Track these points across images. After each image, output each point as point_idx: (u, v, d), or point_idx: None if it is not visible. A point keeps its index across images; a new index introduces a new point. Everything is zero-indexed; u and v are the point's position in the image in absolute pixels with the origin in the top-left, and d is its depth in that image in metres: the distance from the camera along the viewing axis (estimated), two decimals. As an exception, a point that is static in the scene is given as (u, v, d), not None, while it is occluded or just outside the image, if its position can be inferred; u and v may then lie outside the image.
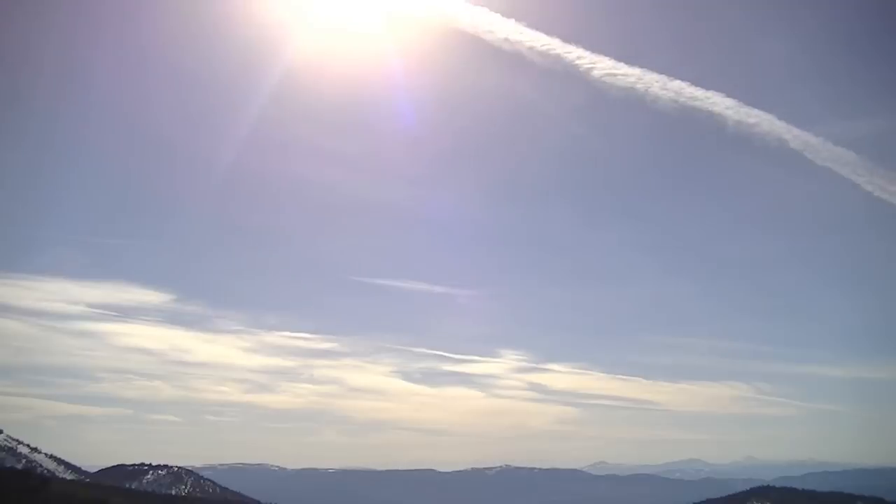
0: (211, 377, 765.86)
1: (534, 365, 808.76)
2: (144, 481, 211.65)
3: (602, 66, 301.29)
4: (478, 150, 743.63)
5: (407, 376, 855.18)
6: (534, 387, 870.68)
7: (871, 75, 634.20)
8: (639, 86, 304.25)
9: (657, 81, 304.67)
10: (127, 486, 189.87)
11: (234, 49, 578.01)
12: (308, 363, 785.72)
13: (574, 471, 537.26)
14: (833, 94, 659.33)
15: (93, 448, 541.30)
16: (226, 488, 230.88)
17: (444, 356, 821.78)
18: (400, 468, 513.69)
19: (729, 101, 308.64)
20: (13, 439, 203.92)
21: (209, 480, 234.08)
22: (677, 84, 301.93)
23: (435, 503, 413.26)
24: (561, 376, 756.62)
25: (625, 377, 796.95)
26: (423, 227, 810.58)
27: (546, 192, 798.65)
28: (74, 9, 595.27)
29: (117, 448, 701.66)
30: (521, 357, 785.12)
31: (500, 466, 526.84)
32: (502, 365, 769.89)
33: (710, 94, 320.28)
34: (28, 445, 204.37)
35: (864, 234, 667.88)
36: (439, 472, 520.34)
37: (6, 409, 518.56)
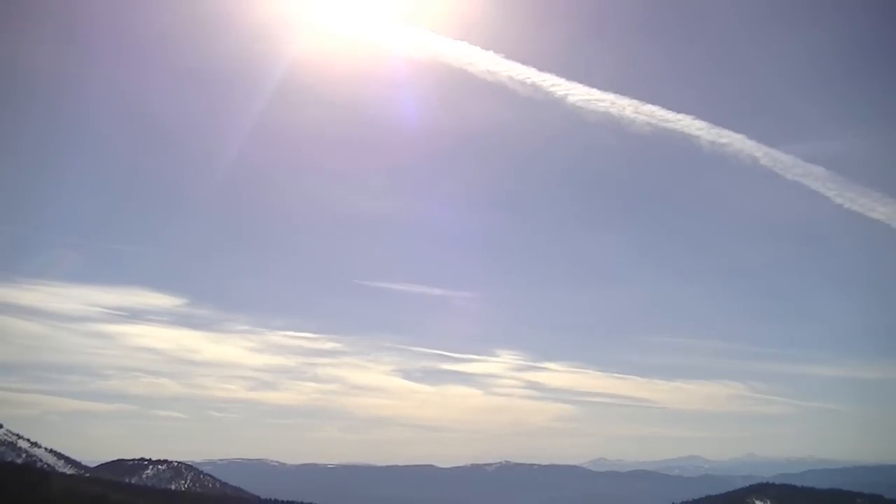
0: (217, 375, 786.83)
1: (530, 363, 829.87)
2: (144, 476, 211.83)
3: (577, 92, 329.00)
4: (471, 163, 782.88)
5: (407, 375, 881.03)
6: (531, 385, 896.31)
7: (839, 99, 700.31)
8: (612, 110, 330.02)
9: (629, 106, 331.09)
10: (127, 480, 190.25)
11: (236, 52, 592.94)
12: (312, 362, 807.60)
13: (573, 467, 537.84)
14: (802, 117, 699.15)
15: (97, 443, 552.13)
16: (225, 483, 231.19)
17: (443, 355, 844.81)
18: (400, 464, 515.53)
19: (700, 123, 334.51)
20: (13, 434, 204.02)
21: (209, 475, 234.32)
22: (649, 108, 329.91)
23: (434, 499, 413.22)
24: (558, 375, 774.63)
25: (621, 375, 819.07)
26: (422, 232, 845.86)
27: (539, 201, 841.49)
28: (71, 9, 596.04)
29: (122, 443, 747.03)
30: (517, 356, 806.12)
31: (500, 462, 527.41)
32: (500, 364, 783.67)
33: (681, 116, 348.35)
34: (28, 440, 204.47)
35: (836, 243, 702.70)
36: (439, 468, 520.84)
37: (14, 404, 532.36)
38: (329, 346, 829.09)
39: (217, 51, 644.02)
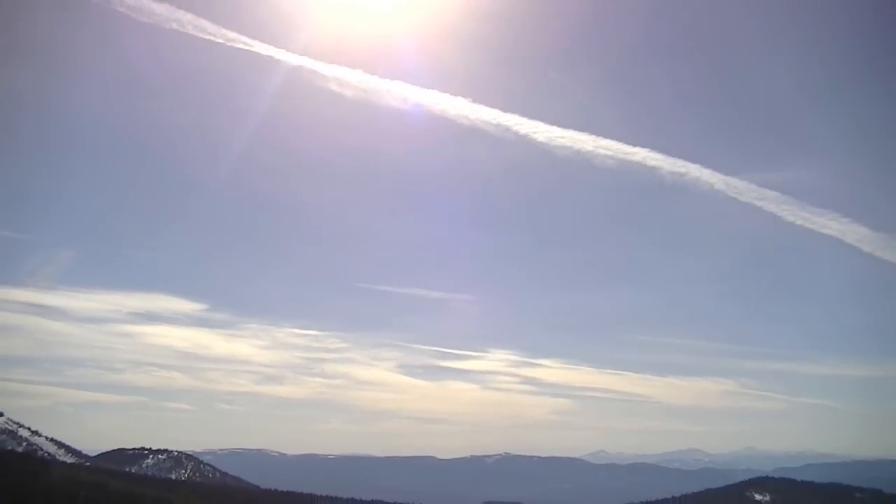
0: (227, 370, 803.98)
1: (526, 360, 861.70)
2: (144, 465, 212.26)
3: (540, 130, 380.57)
4: (460, 190, 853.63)
5: (408, 371, 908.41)
6: (528, 380, 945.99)
7: (794, 131, 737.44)
8: (576, 146, 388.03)
9: (590, 140, 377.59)
10: (127, 469, 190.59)
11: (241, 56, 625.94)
12: (318, 357, 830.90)
13: (573, 459, 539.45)
14: (760, 150, 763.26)
15: (105, 433, 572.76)
16: (225, 473, 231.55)
17: (442, 353, 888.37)
18: (400, 455, 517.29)
19: (656, 155, 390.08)
20: (14, 422, 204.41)
21: (209, 465, 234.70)
22: (607, 142, 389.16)
23: (434, 489, 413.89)
24: (553, 371, 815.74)
25: (614, 371, 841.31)
26: (420, 243, 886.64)
27: (522, 219, 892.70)
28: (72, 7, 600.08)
29: (129, 433, 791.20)
30: (513, 354, 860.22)
31: (500, 454, 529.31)
32: (496, 362, 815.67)
33: (636, 149, 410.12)
34: (29, 428, 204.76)
35: (794, 256, 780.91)
36: (439, 459, 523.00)
37: (29, 395, 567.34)
38: (334, 343, 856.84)
39: (223, 55, 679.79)
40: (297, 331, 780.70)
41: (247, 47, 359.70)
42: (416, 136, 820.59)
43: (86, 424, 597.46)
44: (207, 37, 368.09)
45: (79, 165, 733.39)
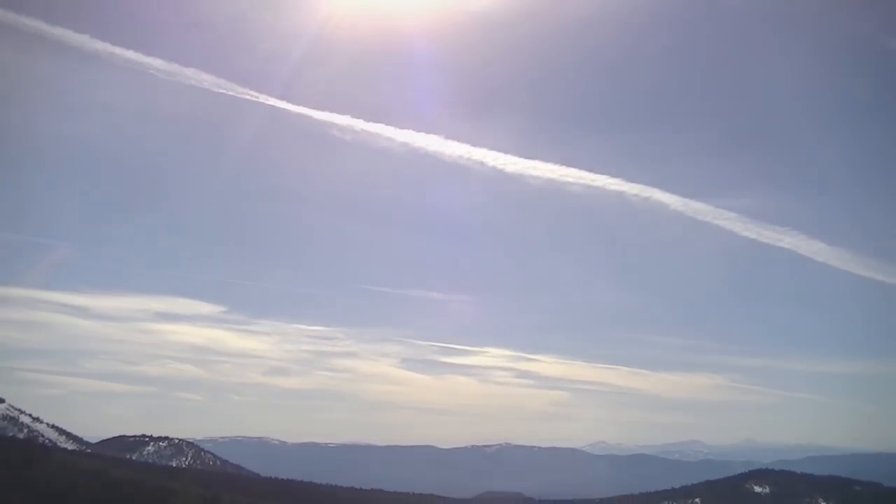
0: (238, 363, 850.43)
1: (522, 355, 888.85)
2: (145, 453, 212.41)
3: (510, 161, 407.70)
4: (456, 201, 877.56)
5: (410, 366, 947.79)
6: (524, 374, 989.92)
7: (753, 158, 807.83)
8: (545, 175, 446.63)
9: (553, 169, 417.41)
10: (128, 457, 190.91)
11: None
12: (324, 351, 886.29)
13: (573, 450, 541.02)
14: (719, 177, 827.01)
15: (113, 421, 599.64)
16: (226, 461, 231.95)
17: (442, 348, 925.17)
18: (401, 444, 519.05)
19: (616, 181, 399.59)
20: (15, 409, 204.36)
21: (210, 453, 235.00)
22: (572, 170, 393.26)
23: (433, 478, 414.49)
24: (548, 365, 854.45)
25: (608, 366, 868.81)
26: (420, 250, 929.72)
27: (521, 229, 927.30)
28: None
29: (137, 421, 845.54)
30: (509, 351, 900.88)
31: (500, 444, 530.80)
32: (494, 358, 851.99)
33: (597, 176, 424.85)
34: (30, 415, 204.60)
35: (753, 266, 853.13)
36: (439, 449, 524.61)
37: (44, 384, 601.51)
38: (340, 340, 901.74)
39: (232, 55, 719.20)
40: (305, 327, 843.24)
41: (255, 99, 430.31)
42: (410, 169, 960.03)
43: (95, 413, 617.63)
44: (231, 91, 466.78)
45: (121, 187, 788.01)
